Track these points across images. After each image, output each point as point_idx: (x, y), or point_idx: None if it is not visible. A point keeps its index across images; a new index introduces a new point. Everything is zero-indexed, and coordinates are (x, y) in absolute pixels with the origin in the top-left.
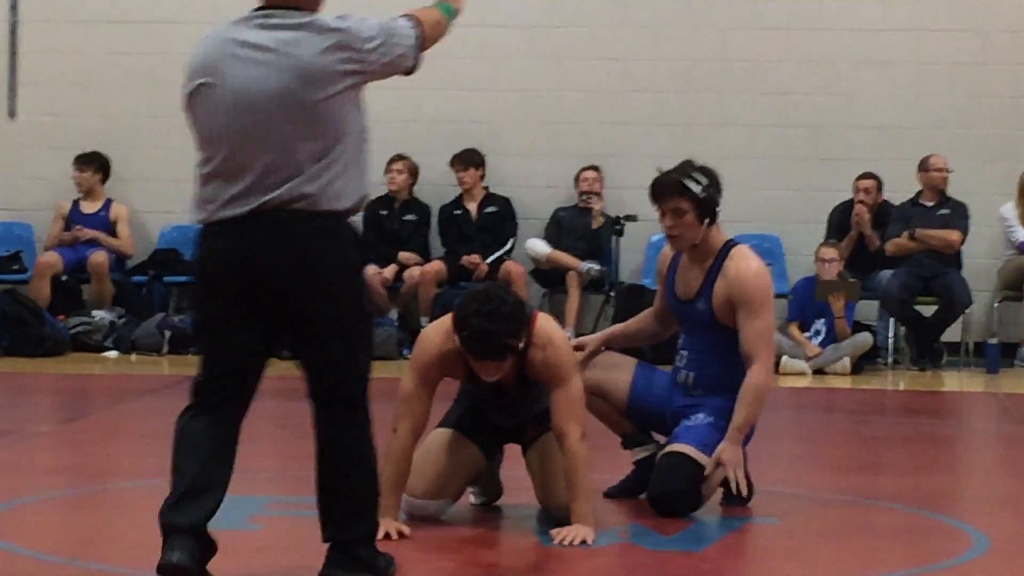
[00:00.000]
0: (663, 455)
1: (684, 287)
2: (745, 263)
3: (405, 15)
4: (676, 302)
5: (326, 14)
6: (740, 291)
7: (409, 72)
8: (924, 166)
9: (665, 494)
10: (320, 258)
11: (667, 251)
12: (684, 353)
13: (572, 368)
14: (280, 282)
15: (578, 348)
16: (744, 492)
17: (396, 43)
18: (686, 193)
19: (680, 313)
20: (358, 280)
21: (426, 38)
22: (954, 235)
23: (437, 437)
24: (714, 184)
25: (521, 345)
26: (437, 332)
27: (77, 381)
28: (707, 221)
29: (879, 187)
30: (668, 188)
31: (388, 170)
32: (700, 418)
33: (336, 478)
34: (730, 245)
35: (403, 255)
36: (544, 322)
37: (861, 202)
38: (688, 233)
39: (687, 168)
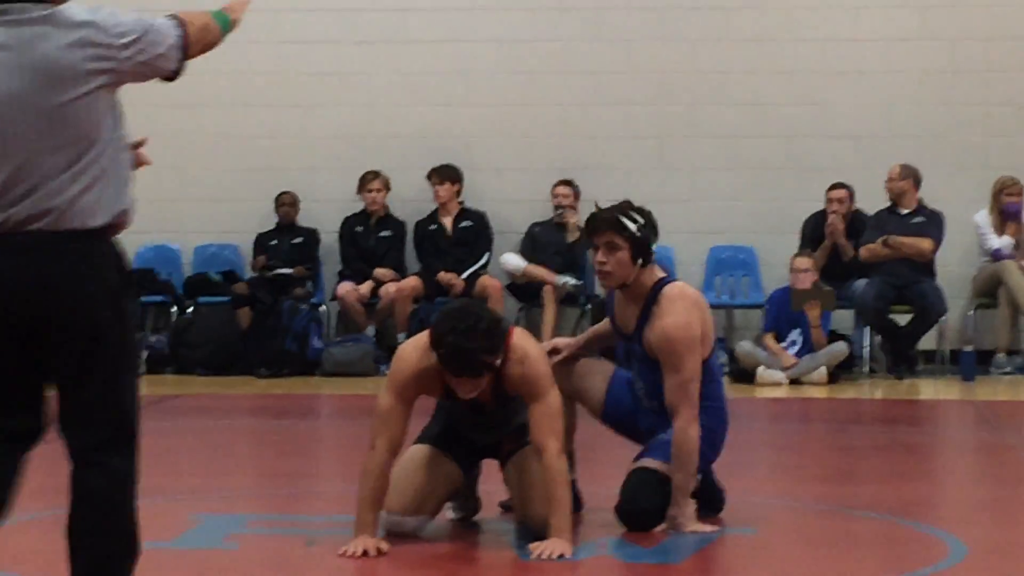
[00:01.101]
0: (633, 471)
1: (623, 323)
2: (670, 318)
3: (170, 15)
4: (620, 334)
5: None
6: (660, 346)
7: (171, 77)
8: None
9: (634, 511)
10: (72, 286)
11: None
12: (638, 378)
13: (549, 382)
14: (28, 312)
15: (554, 351)
16: (706, 532)
17: (154, 41)
18: (623, 231)
19: (624, 346)
20: (120, 309)
21: (192, 42)
22: (926, 243)
23: (414, 453)
24: (650, 226)
25: (498, 362)
26: (414, 349)
27: (54, 402)
28: (640, 261)
29: (851, 197)
30: (604, 223)
31: (367, 188)
32: (672, 432)
33: (82, 534)
34: (660, 285)
35: (379, 271)
36: (520, 337)
37: (835, 212)
38: (620, 271)
39: (625, 207)
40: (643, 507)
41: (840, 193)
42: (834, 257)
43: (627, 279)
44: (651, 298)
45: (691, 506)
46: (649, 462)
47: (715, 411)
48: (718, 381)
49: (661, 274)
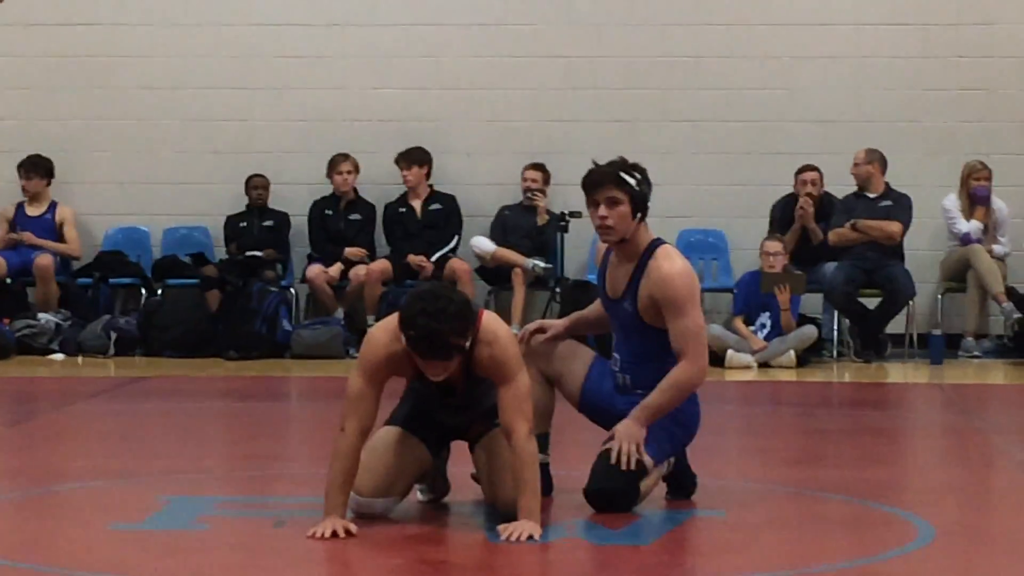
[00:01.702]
0: (603, 452)
1: (612, 285)
2: (668, 263)
3: None
4: (606, 299)
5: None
6: (663, 291)
7: None
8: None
9: (600, 491)
10: None
11: (603, 245)
12: (617, 357)
13: (518, 365)
14: None
15: (539, 331)
16: (624, 466)
17: None
18: (623, 184)
19: (610, 311)
20: None
21: None
22: (894, 226)
23: (384, 435)
24: (646, 181)
25: (468, 344)
26: (384, 331)
27: (23, 384)
28: (639, 216)
29: (821, 179)
30: (605, 177)
31: (338, 171)
32: None
33: None
34: (655, 245)
35: (349, 251)
36: (490, 320)
37: (808, 194)
38: (621, 225)
39: (622, 163)
40: (609, 488)
41: (811, 175)
42: (803, 240)
43: (627, 233)
44: (646, 255)
45: (639, 430)
46: None
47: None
48: None
49: (655, 235)
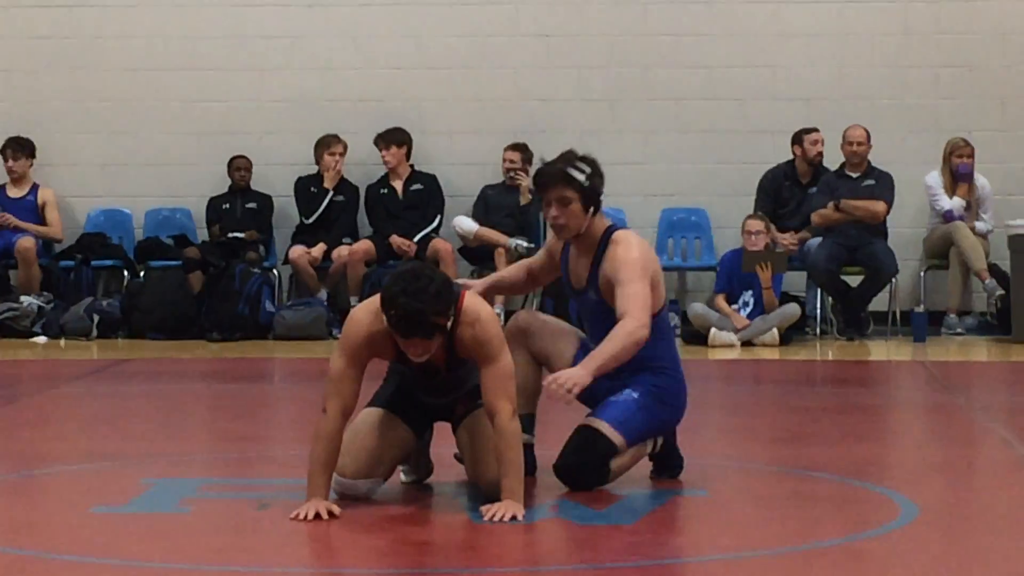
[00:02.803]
0: (577, 428)
1: (575, 277)
2: (624, 248)
3: None
4: (571, 291)
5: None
6: (615, 270)
7: None
8: (844, 138)
9: (567, 466)
10: None
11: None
12: (590, 345)
13: (501, 345)
14: None
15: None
16: (556, 397)
17: None
18: (572, 183)
19: (577, 302)
20: None
21: None
22: (879, 206)
23: (367, 416)
24: (597, 173)
25: (449, 324)
26: (366, 312)
27: (5, 367)
28: (592, 210)
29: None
30: (553, 177)
31: (330, 152)
32: (626, 393)
33: None
34: (611, 231)
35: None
36: (472, 300)
37: (819, 154)
38: (573, 222)
39: (571, 157)
40: (577, 462)
41: (819, 136)
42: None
43: (581, 229)
44: (603, 244)
45: (583, 376)
46: (594, 421)
47: (672, 374)
48: (669, 340)
49: (609, 222)
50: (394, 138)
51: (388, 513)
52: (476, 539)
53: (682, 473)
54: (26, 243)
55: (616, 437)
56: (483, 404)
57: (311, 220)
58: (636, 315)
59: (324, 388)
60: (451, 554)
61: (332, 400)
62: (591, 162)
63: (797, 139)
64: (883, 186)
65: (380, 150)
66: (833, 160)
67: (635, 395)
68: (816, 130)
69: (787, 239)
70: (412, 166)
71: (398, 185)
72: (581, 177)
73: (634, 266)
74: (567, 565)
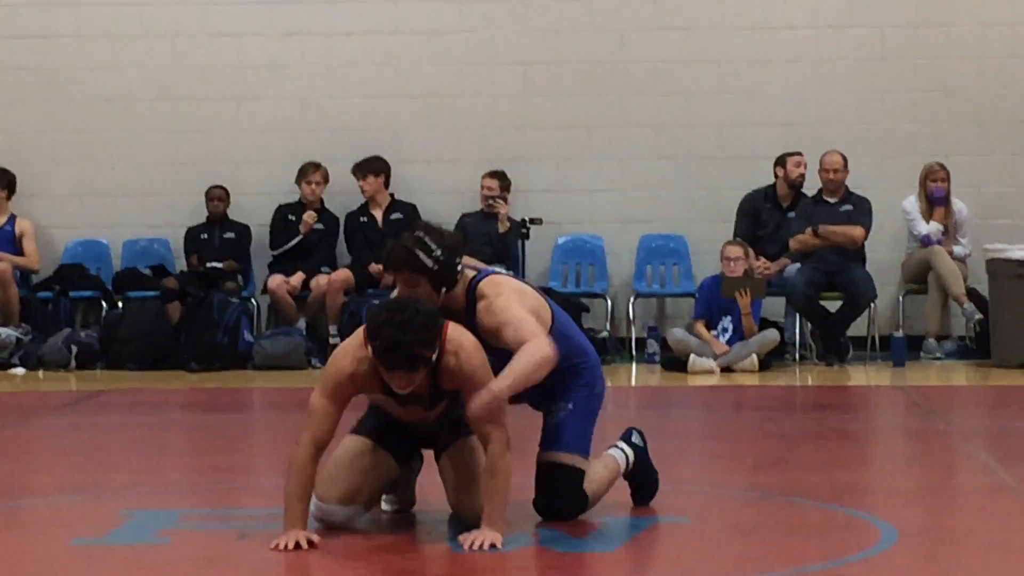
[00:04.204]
0: (541, 466)
1: None
2: (490, 296)
3: None
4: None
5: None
6: (493, 321)
7: None
8: (820, 164)
9: (549, 507)
10: None
11: None
12: None
13: (486, 373)
14: None
15: None
16: (474, 414)
17: None
18: (417, 264)
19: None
20: None
21: None
22: (857, 231)
23: (349, 445)
24: (450, 248)
25: (434, 356)
26: (349, 350)
27: None
28: (444, 289)
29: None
30: (398, 261)
31: (307, 180)
32: (560, 408)
33: None
34: (474, 285)
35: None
36: (455, 330)
37: (800, 176)
38: (428, 301)
39: (420, 235)
40: (559, 503)
41: (802, 159)
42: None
43: (437, 304)
44: (471, 303)
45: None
46: (553, 455)
47: (583, 360)
48: (570, 334)
49: (471, 273)
50: (371, 167)
51: (369, 543)
52: (457, 569)
53: (663, 499)
54: (2, 266)
55: (577, 460)
56: (474, 433)
57: (277, 252)
58: (533, 338)
59: (304, 420)
60: None
61: (306, 432)
62: (439, 237)
63: (780, 161)
64: (861, 211)
65: (358, 180)
66: (811, 185)
67: (569, 406)
68: (799, 153)
69: (762, 265)
70: (392, 195)
71: (378, 214)
72: (428, 260)
73: (507, 306)
74: None
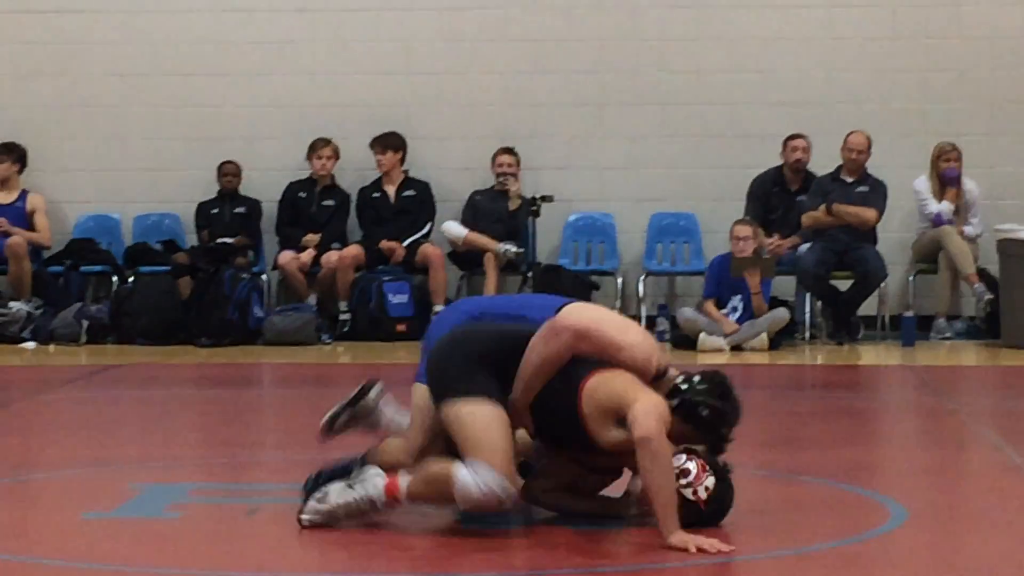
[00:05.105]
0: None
1: None
2: None
3: None
4: None
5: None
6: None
7: None
8: (844, 143)
9: None
10: None
11: None
12: None
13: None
14: None
15: None
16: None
17: None
18: None
19: None
20: None
21: None
22: (870, 213)
23: (495, 410)
24: None
25: None
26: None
27: None
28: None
29: (809, 148)
30: None
31: (317, 155)
32: None
33: None
34: None
35: (306, 238)
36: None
37: (798, 160)
38: None
39: None
40: None
41: (800, 142)
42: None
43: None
44: None
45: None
46: None
47: None
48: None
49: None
50: (390, 143)
51: (383, 519)
52: (470, 545)
53: None
54: (16, 240)
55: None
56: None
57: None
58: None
59: (647, 413)
60: (444, 559)
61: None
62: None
63: (784, 144)
64: (876, 194)
65: (375, 153)
66: (821, 165)
67: None
68: (800, 136)
69: (773, 242)
70: (406, 172)
71: (390, 190)
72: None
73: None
74: (561, 569)
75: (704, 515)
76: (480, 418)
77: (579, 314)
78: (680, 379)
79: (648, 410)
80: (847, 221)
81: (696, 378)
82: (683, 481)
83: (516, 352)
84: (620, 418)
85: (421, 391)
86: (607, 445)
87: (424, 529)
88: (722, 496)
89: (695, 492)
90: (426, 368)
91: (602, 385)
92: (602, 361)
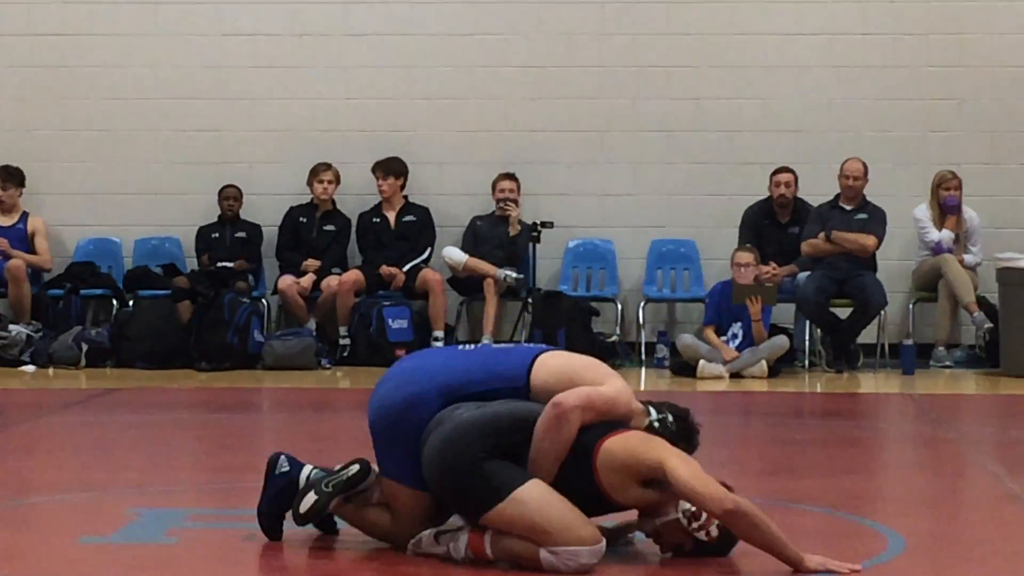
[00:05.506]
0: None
1: None
2: None
3: None
4: None
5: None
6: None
7: None
8: (841, 170)
9: None
10: None
11: None
12: None
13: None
14: None
15: None
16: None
17: None
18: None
19: None
20: None
21: None
22: (869, 240)
23: (546, 489)
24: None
25: None
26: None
27: None
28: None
29: (796, 181)
30: None
31: (319, 180)
32: None
33: None
34: None
35: (307, 263)
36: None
37: (781, 195)
38: None
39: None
40: None
41: (785, 177)
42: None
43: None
44: None
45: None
46: None
47: None
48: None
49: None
50: (392, 168)
51: (381, 546)
52: (454, 570)
53: None
54: (16, 262)
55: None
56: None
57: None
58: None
59: (704, 483)
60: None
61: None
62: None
63: (770, 178)
64: (875, 220)
65: (377, 179)
66: (821, 193)
67: None
68: (786, 170)
69: (770, 271)
70: (406, 197)
71: (391, 215)
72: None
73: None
74: None
75: (716, 550)
76: (531, 506)
77: (570, 391)
78: (653, 417)
79: (695, 472)
80: (847, 248)
81: (669, 418)
82: (695, 524)
83: (516, 433)
84: (644, 480)
85: (398, 489)
86: (627, 504)
87: (430, 554)
88: (729, 533)
89: (707, 533)
90: (430, 480)
91: (614, 455)
92: (596, 424)
